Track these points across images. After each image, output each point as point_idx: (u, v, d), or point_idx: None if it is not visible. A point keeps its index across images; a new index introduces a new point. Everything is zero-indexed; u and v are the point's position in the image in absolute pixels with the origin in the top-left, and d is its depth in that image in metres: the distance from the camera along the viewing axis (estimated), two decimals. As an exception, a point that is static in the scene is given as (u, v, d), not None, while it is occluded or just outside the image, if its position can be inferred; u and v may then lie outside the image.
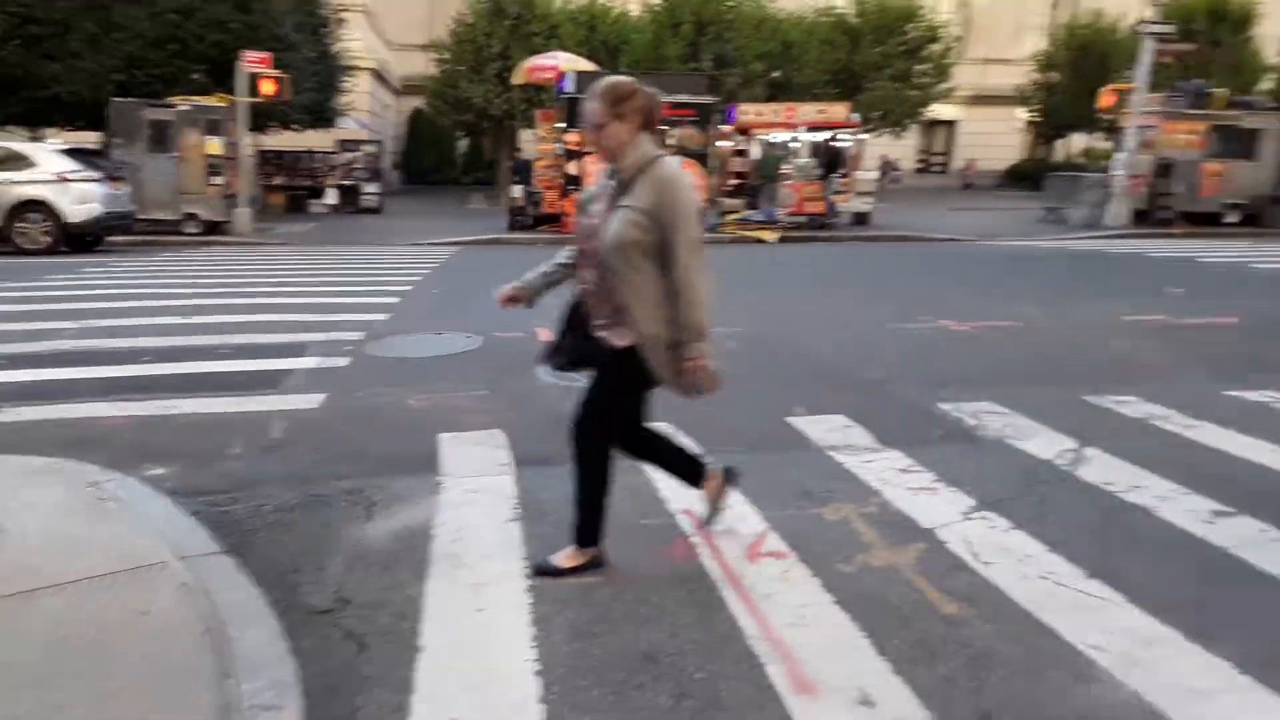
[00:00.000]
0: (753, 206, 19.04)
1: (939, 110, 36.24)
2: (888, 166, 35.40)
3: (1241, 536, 3.56)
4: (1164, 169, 19.38)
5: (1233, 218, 19.51)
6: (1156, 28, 19.19)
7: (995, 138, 39.45)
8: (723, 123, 19.76)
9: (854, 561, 3.36)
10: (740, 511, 3.78)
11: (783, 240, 17.58)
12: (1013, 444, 4.77)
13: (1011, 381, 6.16)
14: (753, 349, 7.33)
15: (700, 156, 17.88)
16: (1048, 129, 35.85)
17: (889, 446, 4.69)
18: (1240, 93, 24.14)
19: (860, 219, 19.67)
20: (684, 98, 17.67)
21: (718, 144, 19.45)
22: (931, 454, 4.57)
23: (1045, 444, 4.74)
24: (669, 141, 17.78)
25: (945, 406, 5.48)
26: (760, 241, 17.42)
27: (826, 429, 5.01)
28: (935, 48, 33.14)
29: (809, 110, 20.11)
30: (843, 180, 19.34)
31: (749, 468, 3.98)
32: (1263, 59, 31.31)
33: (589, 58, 23.70)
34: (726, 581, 3.20)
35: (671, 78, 18.55)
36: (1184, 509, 3.84)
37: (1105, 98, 20.03)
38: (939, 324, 8.40)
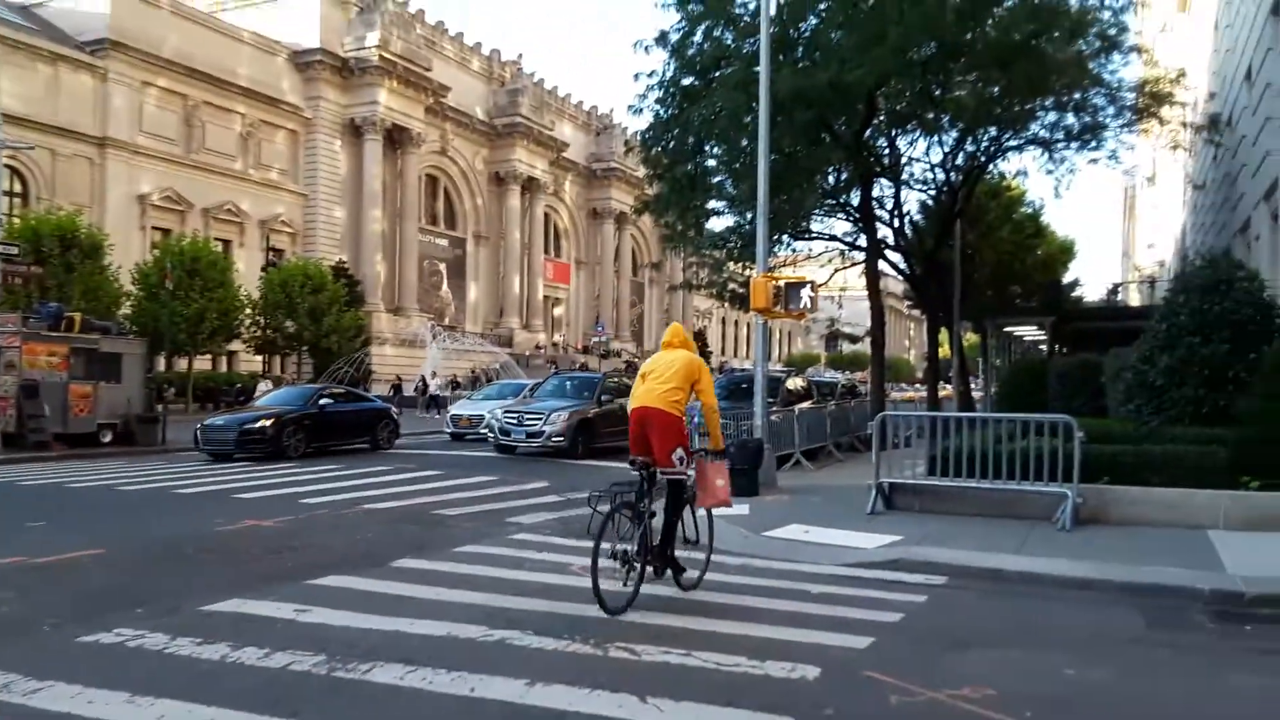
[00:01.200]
0: None
1: None
2: None
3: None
4: (31, 390, 18.61)
5: (108, 437, 19.93)
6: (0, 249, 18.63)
7: None
8: None
9: None
10: None
11: None
12: None
13: None
14: None
15: None
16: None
17: None
18: (104, 317, 25.21)
19: None
20: None
21: None
22: None
23: None
24: None
25: None
26: None
27: None
28: None
29: None
30: None
31: None
32: (120, 285, 33.45)
33: None
34: None
35: None
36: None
37: (-56, 316, 18.41)
38: None
